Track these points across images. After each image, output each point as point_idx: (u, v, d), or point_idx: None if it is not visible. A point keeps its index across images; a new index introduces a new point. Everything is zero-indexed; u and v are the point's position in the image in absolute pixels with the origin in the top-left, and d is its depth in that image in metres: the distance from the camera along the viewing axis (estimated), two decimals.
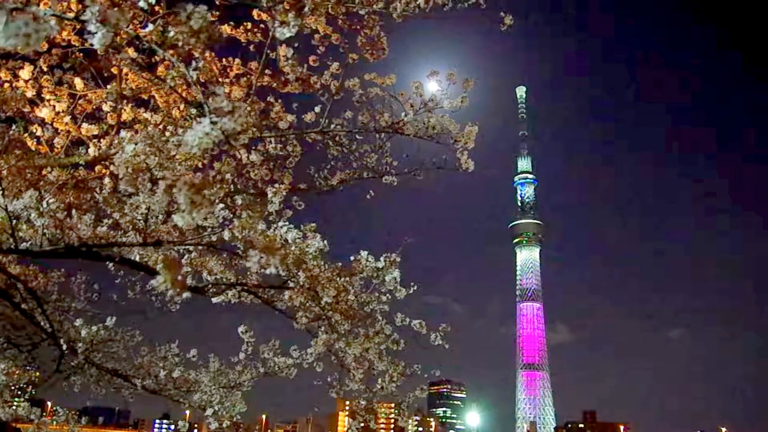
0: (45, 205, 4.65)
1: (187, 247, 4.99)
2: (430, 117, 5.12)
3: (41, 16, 1.49)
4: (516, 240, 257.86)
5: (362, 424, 6.57)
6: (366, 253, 5.54)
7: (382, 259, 5.55)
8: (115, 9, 1.62)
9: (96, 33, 1.65)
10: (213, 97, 1.73)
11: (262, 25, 5.03)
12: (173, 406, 7.91)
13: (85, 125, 5.34)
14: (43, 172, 5.04)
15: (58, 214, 4.80)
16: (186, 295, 1.89)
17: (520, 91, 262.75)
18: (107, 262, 5.59)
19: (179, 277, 1.74)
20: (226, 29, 5.20)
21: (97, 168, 5.22)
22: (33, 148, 5.22)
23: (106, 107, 5.40)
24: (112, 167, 4.60)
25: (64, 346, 6.52)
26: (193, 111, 5.21)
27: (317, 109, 5.18)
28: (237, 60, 5.31)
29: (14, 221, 4.57)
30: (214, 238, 4.64)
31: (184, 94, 5.16)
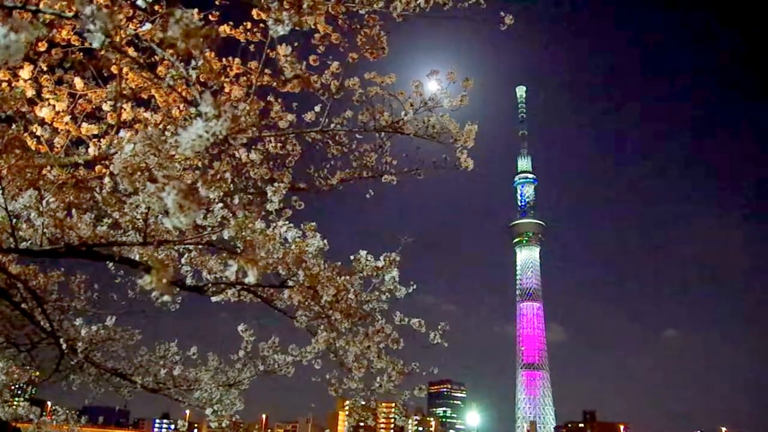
0: (45, 204, 4.65)
1: (186, 246, 5.00)
2: (429, 116, 5.13)
3: (21, 25, 1.49)
4: (516, 240, 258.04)
5: (362, 423, 6.58)
6: (365, 252, 5.55)
7: (381, 258, 5.56)
8: (105, 11, 1.62)
9: (94, 33, 1.66)
10: (201, 101, 1.74)
11: (261, 25, 5.03)
12: (173, 405, 7.94)
13: (84, 125, 5.35)
14: (43, 172, 5.05)
15: (58, 214, 4.80)
16: (166, 297, 1.91)
17: (520, 91, 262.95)
18: (107, 262, 5.60)
19: (165, 279, 1.75)
20: (225, 29, 5.20)
21: (97, 168, 5.22)
22: (33, 148, 5.22)
23: (105, 107, 5.40)
24: (111, 166, 4.61)
25: (64, 346, 6.53)
26: (193, 110, 5.21)
27: (317, 108, 5.19)
28: (237, 59, 5.31)
29: (14, 221, 4.58)
30: (213, 237, 4.64)
31: (183, 94, 5.16)
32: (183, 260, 5.40)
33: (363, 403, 6.30)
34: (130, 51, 4.80)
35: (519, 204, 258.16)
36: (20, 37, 1.47)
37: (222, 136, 1.73)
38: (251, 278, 1.98)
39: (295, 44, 4.53)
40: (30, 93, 5.09)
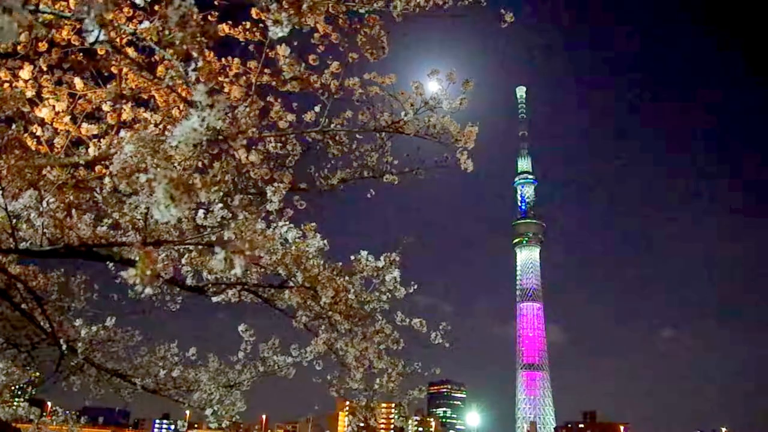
0: (45, 204, 4.64)
1: (186, 246, 4.99)
2: (430, 116, 5.12)
3: (13, 5, 1.46)
4: (516, 240, 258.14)
5: (362, 423, 6.57)
6: (366, 252, 5.54)
7: (382, 258, 5.55)
8: (100, 1, 1.60)
9: (92, 31, 1.64)
10: (194, 91, 1.72)
11: (260, 25, 5.02)
12: (173, 405, 7.92)
13: (84, 125, 5.34)
14: (43, 172, 5.04)
15: (58, 214, 4.80)
16: (148, 290, 1.86)
17: (520, 91, 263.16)
18: (107, 262, 5.59)
19: (149, 272, 1.72)
20: (224, 28, 5.19)
21: (97, 168, 5.21)
22: (33, 148, 5.22)
23: (105, 107, 5.39)
24: (111, 167, 4.60)
25: (64, 346, 6.52)
26: (192, 110, 5.19)
27: (317, 108, 5.18)
28: (236, 59, 5.30)
29: (14, 221, 4.57)
30: (213, 238, 4.63)
31: (183, 94, 5.15)
32: (183, 261, 5.39)
33: (364, 403, 6.30)
34: (130, 51, 4.80)
35: (519, 204, 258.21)
36: (11, 19, 1.44)
37: (217, 129, 1.72)
38: (237, 270, 1.94)
39: (295, 44, 4.52)
40: (30, 93, 5.08)
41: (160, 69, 5.13)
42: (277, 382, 7.10)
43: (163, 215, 1.73)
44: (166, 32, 1.77)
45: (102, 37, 1.63)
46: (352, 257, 5.58)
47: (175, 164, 3.53)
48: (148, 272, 1.74)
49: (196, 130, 1.70)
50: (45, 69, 5.14)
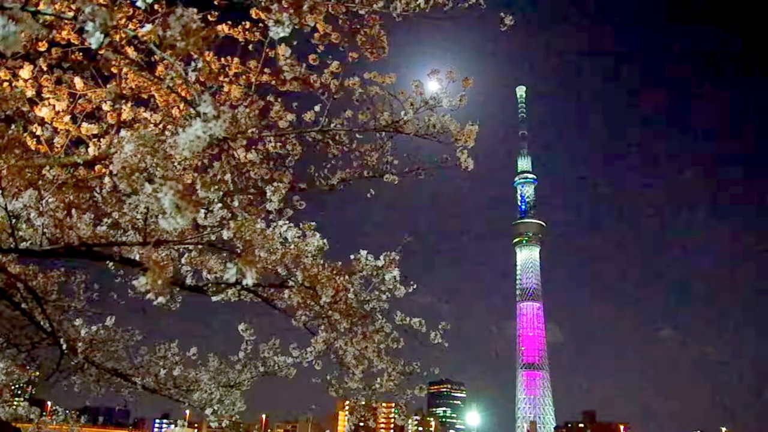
0: (45, 204, 4.65)
1: (186, 245, 4.99)
2: (430, 116, 5.12)
3: (20, 17, 1.47)
4: (516, 240, 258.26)
5: (361, 423, 6.57)
6: (365, 251, 5.55)
7: (381, 257, 5.55)
8: (104, 8, 1.61)
9: (93, 32, 1.65)
10: (201, 102, 1.74)
11: (260, 24, 5.02)
12: (173, 405, 7.93)
13: (84, 124, 5.34)
14: (43, 172, 5.04)
15: (58, 214, 4.80)
16: (161, 299, 1.91)
17: (520, 91, 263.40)
18: (107, 262, 5.59)
19: (161, 281, 1.74)
20: (223, 28, 5.19)
21: (97, 167, 5.21)
22: (32, 148, 5.22)
23: (105, 107, 5.39)
24: (111, 166, 4.60)
25: (64, 346, 6.52)
26: (192, 111, 5.18)
27: (317, 108, 5.18)
28: (236, 59, 5.30)
29: (14, 221, 4.58)
30: (213, 237, 4.64)
31: (183, 94, 5.15)
32: (183, 260, 5.39)
33: (363, 402, 6.30)
34: (130, 51, 4.80)
35: (519, 204, 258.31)
36: (18, 28, 1.45)
37: (220, 138, 1.73)
38: (249, 280, 1.97)
39: (295, 43, 4.52)
40: (30, 93, 5.09)
41: (160, 69, 5.14)
42: (277, 382, 7.12)
43: (170, 224, 1.75)
44: (168, 33, 1.77)
45: (105, 41, 1.64)
46: (352, 257, 5.59)
47: (175, 164, 3.53)
48: (160, 281, 1.76)
49: (200, 137, 1.71)
50: (45, 68, 5.14)
